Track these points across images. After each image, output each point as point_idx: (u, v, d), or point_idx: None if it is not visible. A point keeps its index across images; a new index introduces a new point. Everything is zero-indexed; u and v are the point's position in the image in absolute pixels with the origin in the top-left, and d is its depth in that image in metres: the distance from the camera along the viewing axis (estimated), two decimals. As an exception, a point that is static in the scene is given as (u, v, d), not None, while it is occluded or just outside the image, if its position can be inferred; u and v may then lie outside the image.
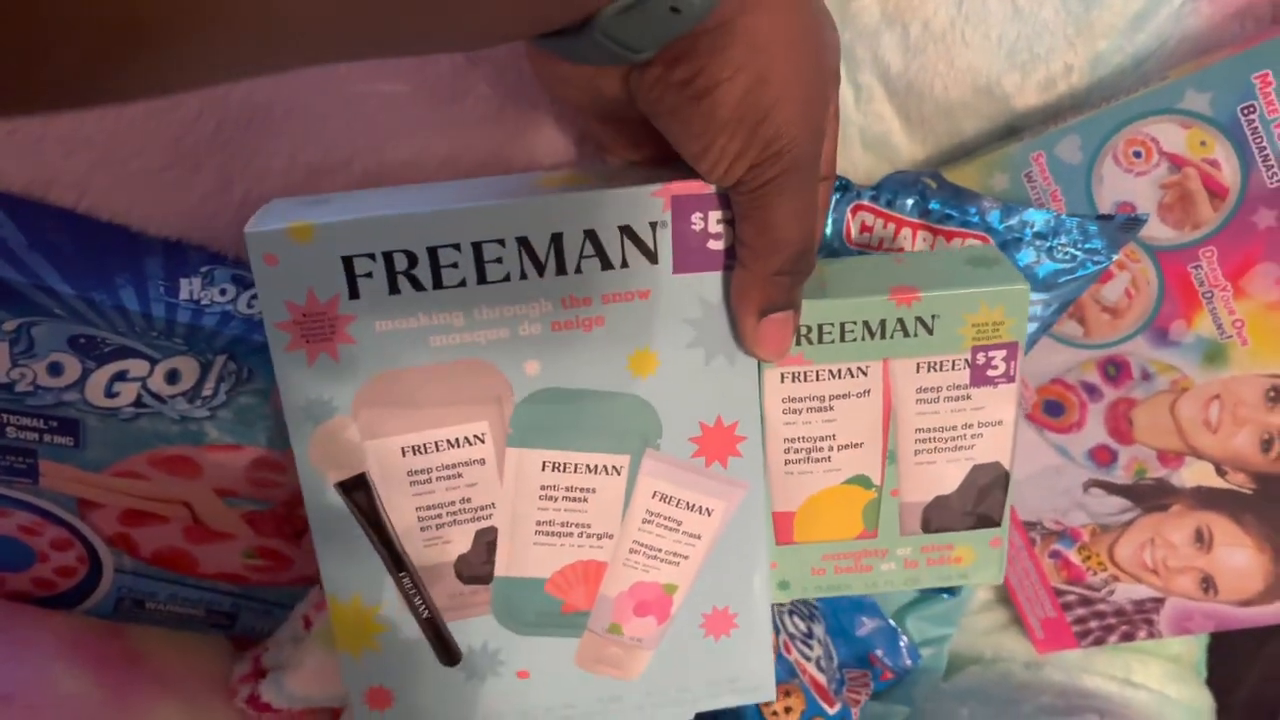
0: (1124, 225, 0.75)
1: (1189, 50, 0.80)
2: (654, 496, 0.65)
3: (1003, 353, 0.64)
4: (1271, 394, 0.82)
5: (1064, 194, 0.79)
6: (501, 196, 0.59)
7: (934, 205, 0.77)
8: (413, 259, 0.58)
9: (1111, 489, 0.89)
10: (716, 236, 0.60)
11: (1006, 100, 0.81)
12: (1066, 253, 0.75)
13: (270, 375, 0.73)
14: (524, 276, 0.59)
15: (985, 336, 0.63)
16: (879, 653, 0.97)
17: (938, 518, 0.69)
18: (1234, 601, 0.91)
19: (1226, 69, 0.74)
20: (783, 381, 0.65)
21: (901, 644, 0.97)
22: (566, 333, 0.61)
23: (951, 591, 0.94)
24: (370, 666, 0.68)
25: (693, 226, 0.59)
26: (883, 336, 0.63)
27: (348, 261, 0.58)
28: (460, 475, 0.64)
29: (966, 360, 0.64)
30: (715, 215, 0.59)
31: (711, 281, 0.61)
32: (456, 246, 0.58)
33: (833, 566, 0.70)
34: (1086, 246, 0.75)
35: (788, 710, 0.84)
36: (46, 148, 0.67)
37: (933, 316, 0.63)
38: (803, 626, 0.89)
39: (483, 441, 0.63)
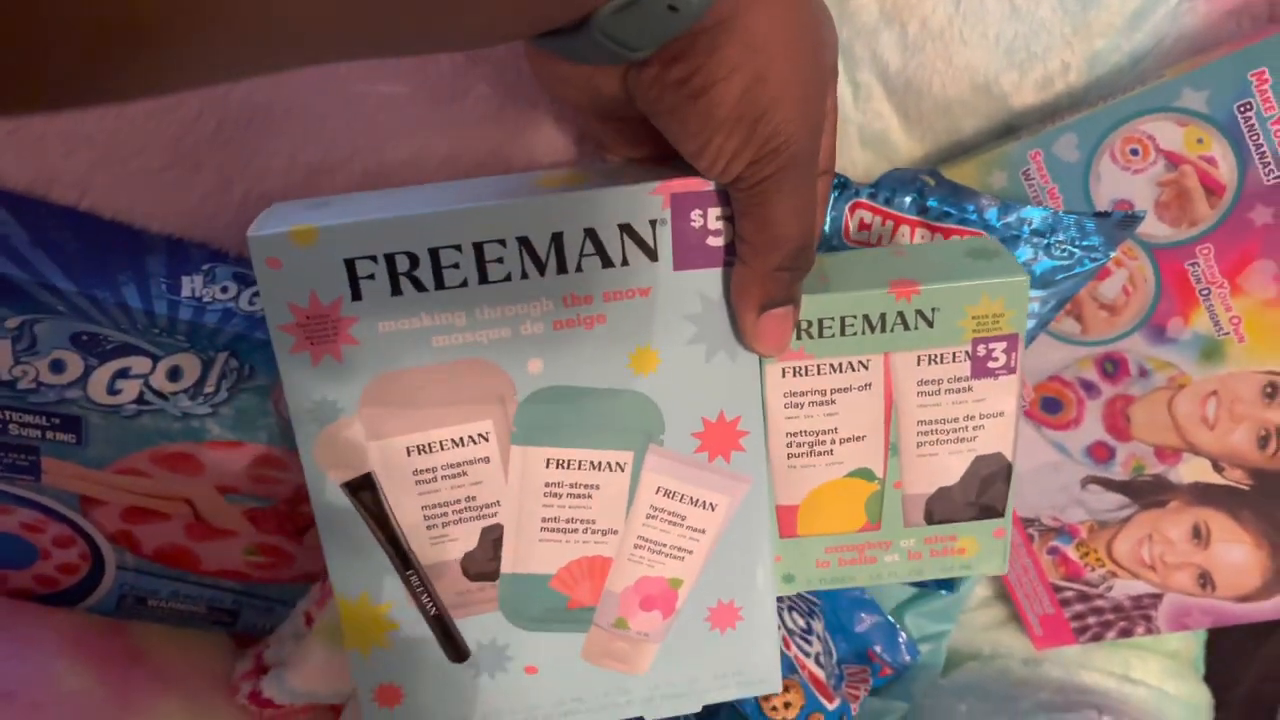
0: (1121, 222, 0.75)
1: (1186, 49, 0.80)
2: (658, 492, 0.66)
3: (1003, 344, 0.64)
4: (1268, 390, 0.83)
5: (1062, 192, 0.79)
6: (501, 196, 0.59)
7: (932, 203, 0.78)
8: (414, 260, 0.59)
9: (1109, 485, 0.90)
10: (716, 233, 0.60)
11: (1004, 98, 0.81)
12: (1064, 250, 0.76)
13: (272, 372, 0.74)
14: (525, 276, 0.60)
15: (986, 328, 0.63)
16: (878, 648, 0.97)
17: (941, 509, 0.69)
18: (1232, 597, 0.92)
19: (1223, 67, 0.75)
20: (784, 376, 0.65)
21: (900, 640, 0.97)
22: (568, 331, 0.61)
23: (950, 588, 0.94)
24: (379, 664, 0.68)
25: (692, 224, 0.60)
26: (883, 330, 0.63)
27: (350, 264, 0.58)
28: (465, 474, 0.64)
29: (967, 352, 0.64)
30: (714, 212, 0.59)
31: (711, 278, 0.61)
32: (457, 247, 0.59)
33: (837, 559, 0.71)
34: (1084, 244, 0.75)
35: (787, 706, 0.84)
36: (48, 146, 0.67)
37: (933, 309, 0.63)
38: (802, 622, 0.89)
39: (487, 440, 0.64)
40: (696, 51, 0.51)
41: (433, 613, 0.67)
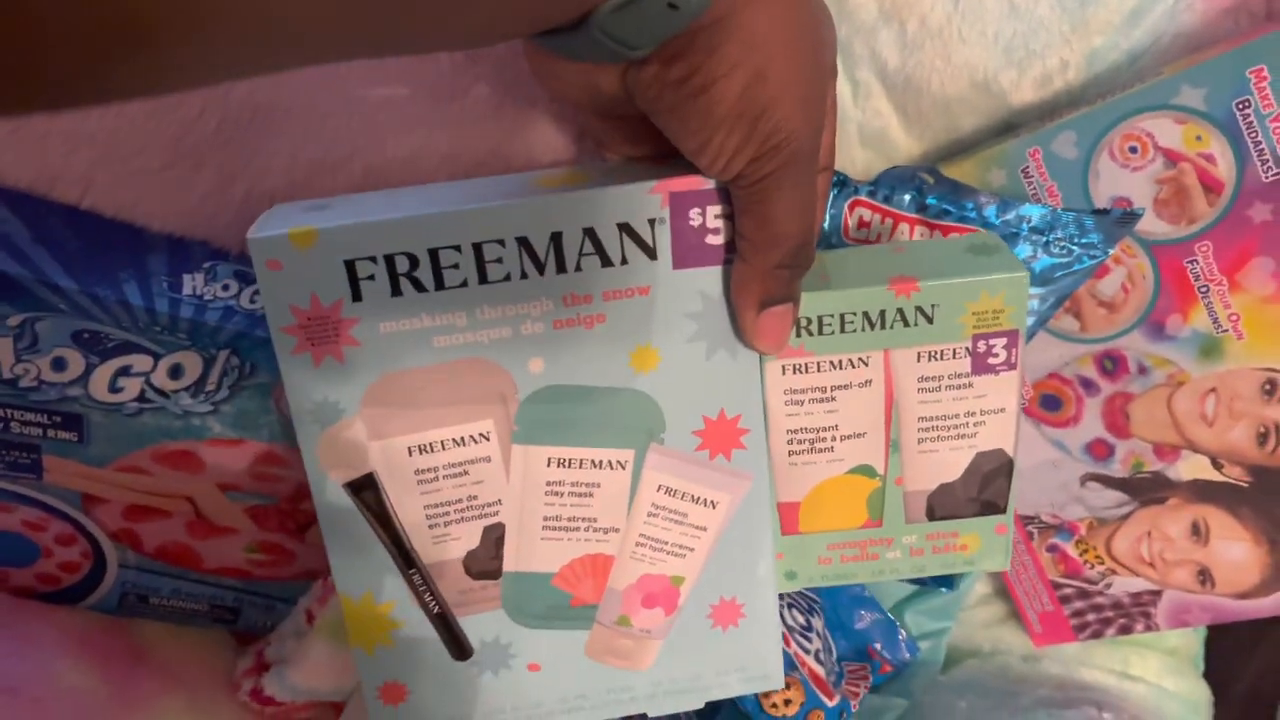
0: (1120, 220, 0.75)
1: (1184, 46, 0.80)
2: (659, 490, 0.66)
3: (1003, 340, 0.64)
4: (1267, 387, 0.83)
5: (1060, 189, 0.80)
6: (500, 197, 0.59)
7: (931, 200, 0.78)
8: (414, 261, 0.59)
9: (1108, 483, 0.90)
10: (715, 231, 0.60)
11: (1003, 96, 0.81)
12: (1063, 247, 0.76)
13: (273, 370, 0.74)
14: (525, 276, 0.60)
15: (986, 324, 0.64)
16: (877, 646, 0.97)
17: (942, 505, 0.69)
18: (1231, 594, 0.92)
19: (1221, 65, 0.75)
20: (784, 373, 0.65)
21: (900, 637, 0.97)
22: (568, 330, 0.61)
23: (949, 585, 0.95)
24: (383, 662, 0.68)
25: (691, 222, 0.60)
26: (883, 327, 0.64)
27: (350, 265, 0.59)
28: (466, 473, 0.64)
29: (967, 349, 0.64)
30: (713, 210, 0.59)
31: (711, 276, 0.61)
32: (457, 248, 0.59)
33: (838, 556, 0.71)
34: (1083, 241, 0.75)
35: (787, 703, 0.84)
36: (49, 145, 0.68)
37: (932, 306, 0.63)
38: (802, 620, 0.89)
39: (488, 439, 0.64)
40: (696, 50, 0.51)
41: (435, 611, 0.67)
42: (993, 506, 0.69)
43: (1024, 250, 0.76)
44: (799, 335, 0.64)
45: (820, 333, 0.64)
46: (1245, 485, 0.87)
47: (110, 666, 0.80)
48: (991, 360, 0.65)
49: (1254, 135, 0.75)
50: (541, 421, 0.64)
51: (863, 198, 0.79)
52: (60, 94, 0.34)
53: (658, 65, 0.52)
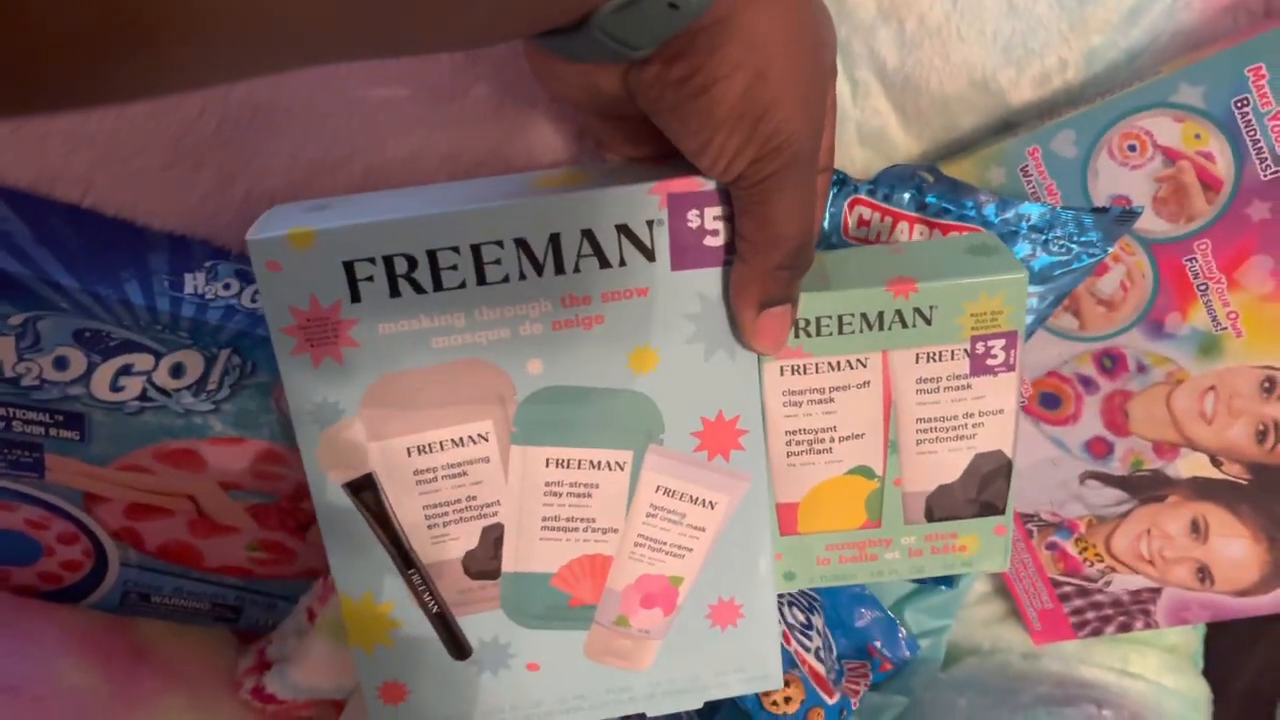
0: (1119, 218, 0.75)
1: (1182, 45, 0.80)
2: (657, 491, 0.66)
3: (1002, 341, 0.64)
4: (1266, 385, 0.83)
5: (1060, 188, 0.80)
6: (499, 198, 0.59)
7: (931, 199, 0.78)
8: (412, 262, 0.59)
9: (1108, 481, 0.90)
10: (713, 233, 0.60)
11: (1002, 95, 0.81)
12: (1062, 245, 0.76)
13: (274, 369, 0.74)
14: (523, 277, 0.60)
15: (984, 326, 0.63)
16: (878, 644, 0.97)
17: (941, 506, 0.69)
18: (1230, 592, 0.92)
19: (1220, 63, 0.75)
20: (782, 374, 0.65)
21: (900, 635, 0.98)
22: (567, 331, 0.62)
23: (949, 583, 0.95)
24: (383, 662, 0.69)
25: (689, 224, 0.60)
26: (881, 328, 0.64)
27: (348, 266, 0.59)
28: (465, 474, 0.64)
29: (966, 350, 0.64)
30: (711, 212, 0.60)
31: (709, 277, 0.61)
32: (455, 249, 0.59)
33: (837, 557, 0.71)
34: (1082, 239, 0.76)
35: (787, 700, 0.85)
36: (50, 146, 0.68)
37: (931, 307, 0.63)
38: (802, 618, 0.89)
39: (487, 440, 0.64)
40: (697, 50, 0.51)
41: (434, 611, 0.67)
42: (992, 508, 0.69)
43: (1023, 248, 0.76)
44: (797, 336, 0.64)
45: (818, 334, 0.64)
46: (1244, 483, 0.87)
47: (112, 665, 0.80)
48: (990, 361, 0.65)
49: (1252, 133, 0.75)
50: (540, 422, 0.64)
51: (862, 196, 0.79)
52: (61, 95, 0.34)
53: (659, 65, 0.52)
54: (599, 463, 0.65)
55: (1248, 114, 0.75)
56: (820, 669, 0.87)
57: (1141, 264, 0.81)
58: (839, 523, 0.69)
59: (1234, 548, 0.90)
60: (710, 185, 0.59)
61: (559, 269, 0.60)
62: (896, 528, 0.70)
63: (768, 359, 0.64)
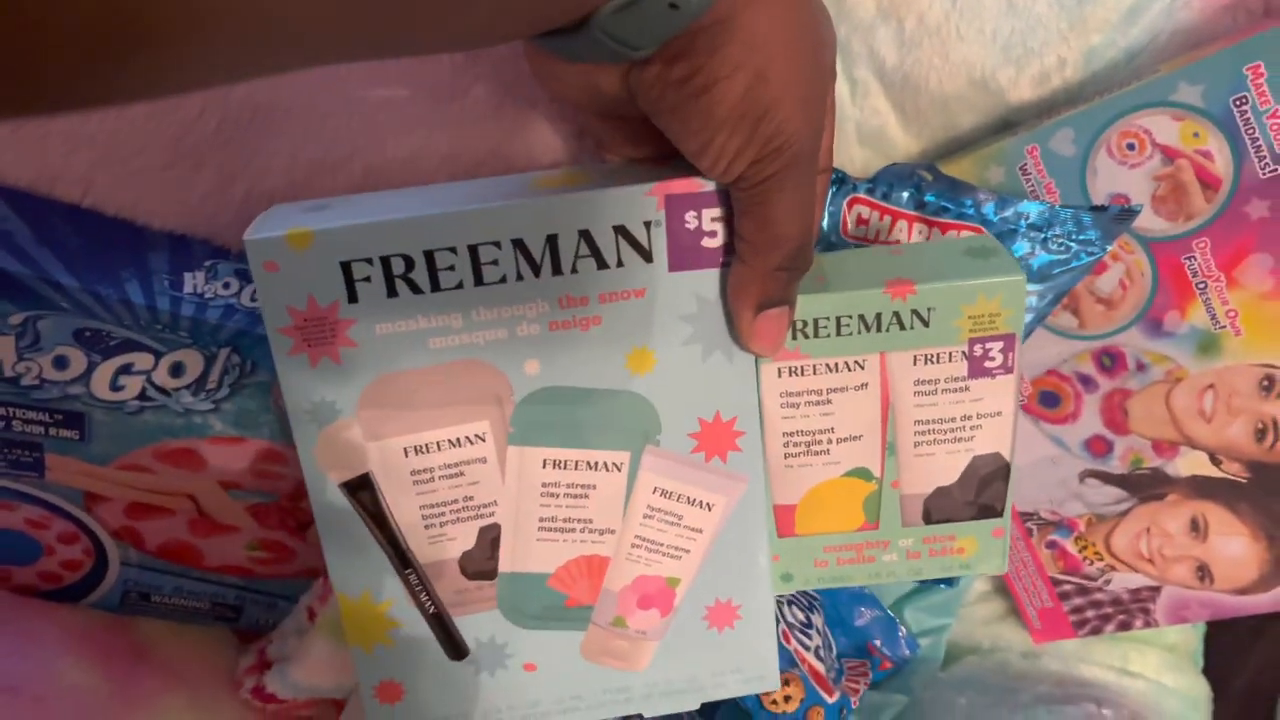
0: (1118, 216, 0.75)
1: (1181, 44, 0.80)
2: (654, 492, 0.66)
3: (1000, 344, 0.64)
4: (1265, 383, 0.83)
5: (1059, 186, 0.80)
6: (496, 199, 0.59)
7: (930, 198, 0.78)
8: (409, 262, 0.59)
9: (1107, 479, 0.90)
10: (711, 234, 0.60)
11: (1001, 94, 0.81)
12: (1061, 244, 0.76)
13: (273, 368, 0.74)
14: (520, 278, 0.60)
15: (982, 328, 0.63)
16: (877, 642, 0.97)
17: (939, 509, 0.69)
18: (1229, 590, 0.92)
19: (1218, 61, 0.75)
20: (780, 376, 0.65)
21: (900, 634, 0.98)
22: (564, 332, 0.62)
23: (949, 582, 0.95)
24: (381, 661, 0.69)
25: (686, 225, 0.60)
26: (879, 330, 0.63)
27: (346, 266, 0.59)
28: (462, 474, 0.64)
29: (964, 352, 0.64)
30: (709, 213, 0.59)
31: (707, 279, 0.61)
32: (452, 249, 0.59)
33: (835, 558, 0.71)
34: (1081, 238, 0.76)
35: (787, 699, 0.85)
36: (50, 145, 0.68)
37: (928, 309, 0.63)
38: (802, 616, 0.89)
39: (484, 440, 0.64)
40: (697, 50, 0.51)
41: (431, 611, 0.67)
42: (990, 510, 0.69)
43: (1022, 247, 0.76)
44: (795, 338, 0.64)
45: (816, 335, 0.64)
46: (1243, 481, 0.87)
47: (112, 664, 0.80)
48: (988, 364, 0.64)
49: (1251, 132, 0.75)
50: (537, 423, 0.64)
51: (861, 195, 0.79)
52: (61, 96, 0.34)
53: (659, 65, 0.52)
54: (596, 464, 0.65)
55: (1246, 113, 0.75)
56: (820, 668, 0.87)
57: (1140, 262, 0.81)
58: (837, 524, 0.69)
59: (1233, 546, 0.90)
60: (708, 187, 0.59)
61: (556, 270, 0.60)
62: (894, 530, 0.70)
63: (765, 360, 0.64)
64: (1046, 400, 0.88)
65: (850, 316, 0.63)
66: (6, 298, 0.69)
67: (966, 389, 0.65)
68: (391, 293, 0.59)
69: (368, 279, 0.59)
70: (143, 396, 0.75)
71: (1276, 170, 0.76)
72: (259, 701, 0.84)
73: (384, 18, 0.40)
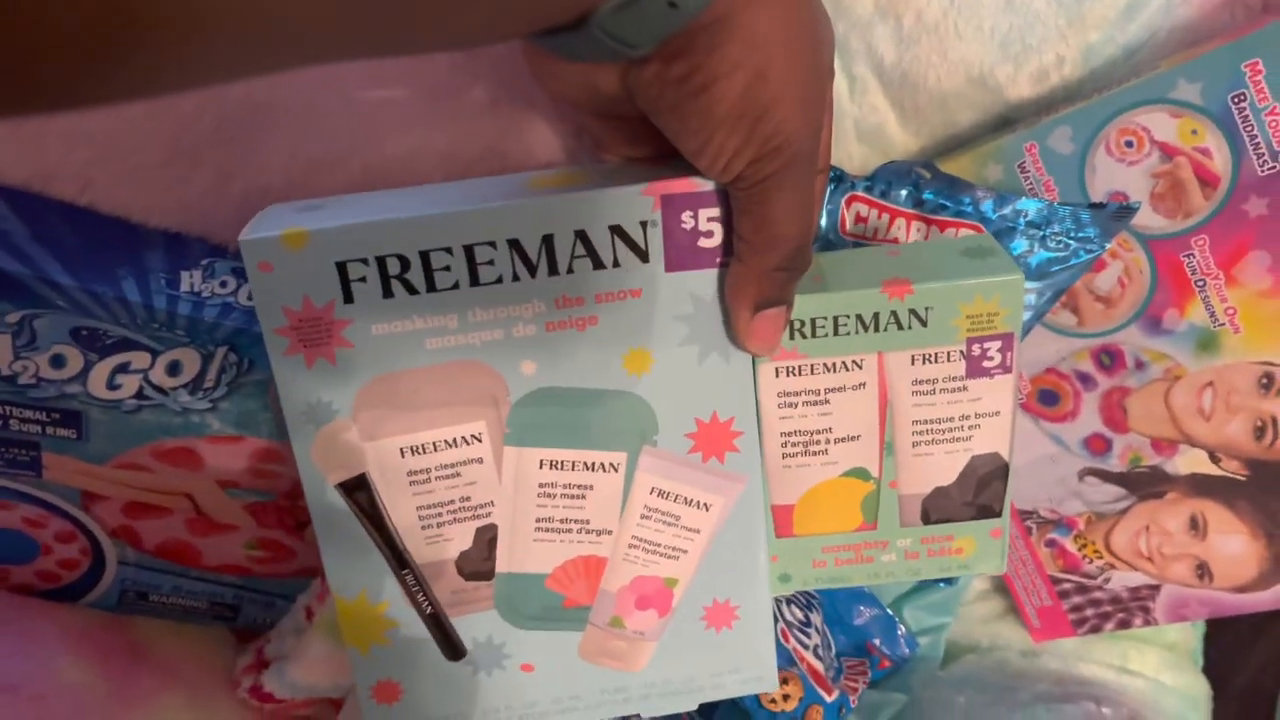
0: (1116, 214, 0.75)
1: (1180, 40, 0.80)
2: (652, 492, 0.66)
3: (998, 343, 0.64)
4: (1264, 381, 0.83)
5: (1057, 184, 0.79)
6: (492, 199, 0.59)
7: (928, 195, 0.78)
8: (405, 263, 0.59)
9: (1106, 477, 0.90)
10: (707, 234, 0.60)
11: (999, 91, 0.81)
12: (1059, 241, 0.76)
13: (270, 367, 0.74)
14: (516, 278, 0.60)
15: (980, 328, 0.63)
16: (876, 641, 0.97)
17: (937, 509, 0.69)
18: (1229, 588, 0.92)
19: (1217, 58, 0.75)
20: (777, 376, 0.65)
21: (899, 633, 0.97)
22: (561, 333, 0.61)
23: (948, 581, 0.95)
24: (378, 661, 0.69)
25: (683, 225, 0.60)
26: (876, 329, 0.63)
27: (341, 267, 0.58)
28: (459, 474, 0.64)
29: (962, 352, 0.64)
30: (706, 213, 0.59)
31: (703, 279, 0.61)
32: (448, 250, 0.59)
33: (833, 559, 0.71)
34: (1079, 235, 0.76)
35: (786, 698, 0.85)
36: (48, 143, 0.68)
37: (926, 309, 0.63)
38: (800, 615, 0.89)
39: (480, 441, 0.64)
40: (697, 49, 0.51)
41: (429, 612, 0.67)
42: (988, 510, 0.69)
43: (1020, 245, 0.76)
44: (792, 338, 0.64)
45: (814, 335, 0.64)
46: (1243, 479, 0.87)
47: (110, 664, 0.80)
48: (986, 363, 0.64)
49: (1249, 129, 0.75)
50: (534, 424, 0.64)
51: (860, 193, 0.79)
52: (60, 95, 0.34)
53: (658, 64, 0.52)
54: (593, 464, 0.65)
55: (1245, 110, 0.75)
56: (819, 666, 0.87)
57: (1139, 260, 0.81)
58: (835, 525, 0.69)
59: (1232, 544, 0.90)
60: (704, 186, 0.59)
61: (552, 270, 0.60)
62: (893, 530, 0.70)
63: (763, 360, 0.64)
64: (1045, 398, 0.88)
65: (848, 316, 0.63)
66: (3, 296, 0.69)
67: (965, 389, 0.65)
68: (387, 293, 0.59)
69: (363, 279, 0.59)
70: (140, 395, 0.75)
71: (1275, 167, 0.76)
72: (257, 701, 0.84)
73: (384, 17, 0.40)
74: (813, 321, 0.63)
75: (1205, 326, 0.82)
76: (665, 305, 0.61)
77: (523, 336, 0.61)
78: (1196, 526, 0.90)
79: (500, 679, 0.70)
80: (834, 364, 0.64)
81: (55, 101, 0.34)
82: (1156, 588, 0.93)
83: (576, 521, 0.66)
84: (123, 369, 0.74)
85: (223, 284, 0.72)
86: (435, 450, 0.63)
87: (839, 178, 0.79)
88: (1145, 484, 0.89)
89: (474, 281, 0.59)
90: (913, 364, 0.64)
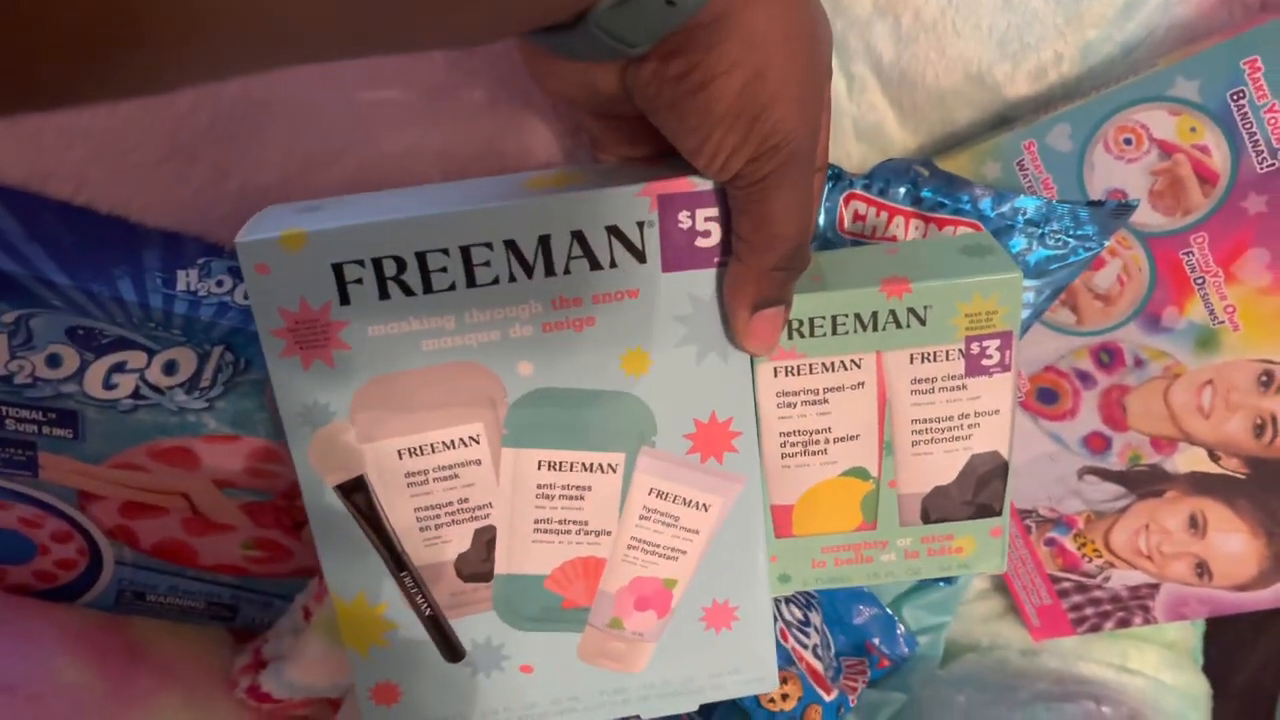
0: (1115, 211, 0.75)
1: (1178, 38, 0.80)
2: (650, 493, 0.66)
3: (997, 342, 0.64)
4: (1263, 379, 0.83)
5: (1056, 181, 0.79)
6: (489, 199, 0.59)
7: (926, 193, 0.78)
8: (401, 264, 0.58)
9: (1106, 476, 0.90)
10: (704, 234, 0.60)
11: (998, 89, 0.81)
12: (1058, 239, 0.76)
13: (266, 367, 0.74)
14: (513, 279, 0.60)
15: (979, 326, 0.63)
16: (876, 641, 0.97)
17: (937, 508, 0.69)
18: (1228, 586, 0.92)
19: (1215, 56, 0.75)
20: (776, 375, 0.65)
21: (898, 632, 0.97)
22: (558, 334, 0.61)
23: (948, 580, 0.95)
24: (377, 663, 0.69)
25: (680, 225, 0.59)
26: (875, 328, 0.63)
27: (337, 268, 0.58)
28: (457, 476, 0.64)
29: (960, 350, 0.64)
30: (703, 213, 0.59)
31: (701, 279, 0.61)
32: (444, 251, 0.58)
33: (833, 559, 0.70)
34: (1078, 233, 0.75)
35: (785, 697, 0.85)
36: (44, 141, 0.68)
37: (925, 307, 0.63)
38: (800, 614, 0.89)
39: (478, 442, 0.64)
40: (695, 47, 0.50)
41: (427, 613, 0.67)
42: (988, 509, 0.69)
43: (1019, 243, 0.76)
44: (790, 337, 0.63)
45: (812, 334, 0.63)
46: (1242, 477, 0.87)
47: (107, 664, 0.80)
48: (985, 362, 0.64)
49: (1248, 126, 0.75)
50: (531, 425, 0.63)
51: (858, 191, 0.79)
52: (59, 94, 0.34)
53: (656, 62, 0.52)
54: (591, 465, 0.65)
55: (1243, 107, 0.75)
56: (818, 666, 0.86)
57: (1138, 258, 0.81)
58: (834, 525, 0.69)
59: (1232, 542, 0.90)
60: (701, 186, 0.58)
61: (549, 271, 0.60)
62: (892, 530, 0.69)
63: (761, 360, 0.64)
64: (1044, 397, 0.88)
65: (846, 315, 0.63)
66: (-1, 296, 0.69)
67: (964, 387, 0.65)
68: (383, 294, 0.59)
69: (359, 281, 0.59)
70: (136, 395, 0.75)
71: (1274, 165, 0.76)
72: (254, 701, 0.84)
73: (383, 16, 0.40)
74: (811, 321, 0.63)
75: (1204, 324, 0.82)
76: (663, 305, 0.61)
77: (520, 337, 0.61)
78: (1196, 525, 0.90)
79: (499, 680, 0.70)
80: (833, 363, 0.64)
81: (55, 100, 0.34)
82: (1156, 586, 0.93)
83: (575, 523, 0.66)
84: (119, 368, 0.74)
85: (219, 283, 0.72)
86: (433, 452, 0.63)
87: (837, 176, 0.79)
88: (1145, 482, 0.89)
89: (471, 282, 0.59)
90: (911, 363, 0.64)
